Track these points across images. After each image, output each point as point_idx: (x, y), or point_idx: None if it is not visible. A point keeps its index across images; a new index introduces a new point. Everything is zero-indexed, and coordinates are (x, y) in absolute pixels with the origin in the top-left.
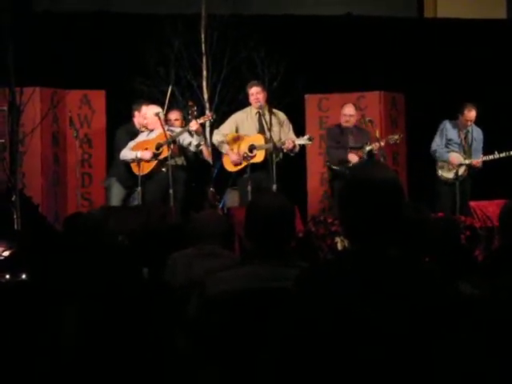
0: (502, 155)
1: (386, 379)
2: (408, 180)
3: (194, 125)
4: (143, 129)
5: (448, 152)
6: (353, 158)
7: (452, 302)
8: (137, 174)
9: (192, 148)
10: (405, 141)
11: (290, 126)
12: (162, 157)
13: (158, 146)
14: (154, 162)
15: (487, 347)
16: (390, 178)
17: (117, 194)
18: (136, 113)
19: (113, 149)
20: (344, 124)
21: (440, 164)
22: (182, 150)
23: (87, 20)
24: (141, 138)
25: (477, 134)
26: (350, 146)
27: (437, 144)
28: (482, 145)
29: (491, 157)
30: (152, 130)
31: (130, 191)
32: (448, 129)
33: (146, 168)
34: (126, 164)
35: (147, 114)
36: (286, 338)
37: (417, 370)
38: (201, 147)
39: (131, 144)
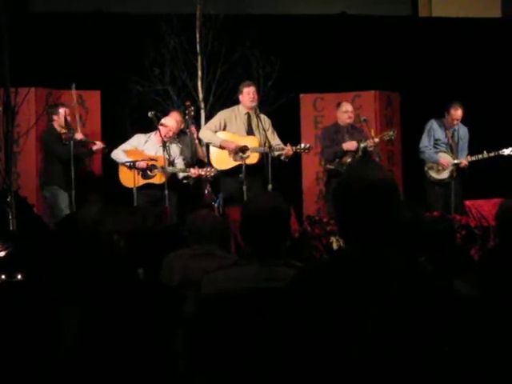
0: (490, 155)
1: (382, 380)
2: (403, 179)
3: (194, 173)
4: (64, 130)
5: (437, 153)
6: (348, 145)
7: (448, 301)
8: (130, 186)
9: (179, 176)
10: (400, 140)
11: (275, 132)
12: (152, 181)
13: (152, 168)
14: (144, 181)
15: (484, 346)
16: (386, 178)
17: (64, 200)
18: (55, 117)
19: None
20: (347, 121)
21: (429, 165)
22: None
23: (82, 20)
24: (137, 142)
25: (463, 132)
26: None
27: (424, 145)
28: (467, 143)
29: (480, 156)
30: (152, 133)
31: (70, 194)
32: (435, 129)
33: (141, 182)
34: (63, 167)
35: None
36: (281, 338)
37: (414, 370)
38: (185, 181)
39: (125, 147)
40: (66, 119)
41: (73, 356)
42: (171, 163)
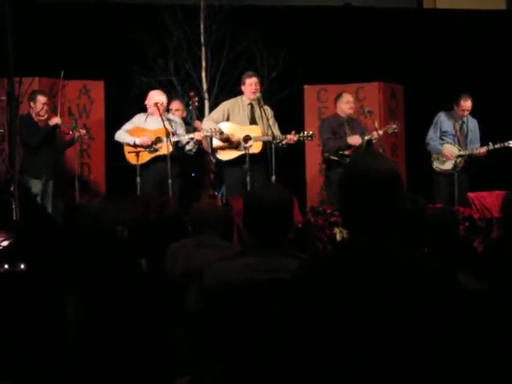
0: (496, 146)
1: (385, 371)
2: (406, 171)
3: (198, 136)
4: (41, 118)
5: (442, 144)
6: (353, 140)
7: (452, 291)
8: (134, 163)
9: (182, 144)
10: (403, 132)
11: (276, 124)
12: (158, 153)
13: (157, 141)
14: (151, 155)
15: (487, 338)
16: (390, 169)
17: (35, 189)
18: (32, 104)
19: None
20: (348, 111)
21: (434, 156)
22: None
23: (87, 10)
24: (138, 121)
25: (472, 124)
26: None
27: (430, 137)
28: (478, 135)
29: (485, 148)
30: (151, 114)
31: (45, 182)
32: (443, 121)
33: (145, 158)
34: (35, 154)
35: (149, 96)
36: (285, 328)
37: (417, 362)
38: (192, 153)
39: (127, 126)
40: (69, 108)
41: (75, 346)
42: (174, 134)
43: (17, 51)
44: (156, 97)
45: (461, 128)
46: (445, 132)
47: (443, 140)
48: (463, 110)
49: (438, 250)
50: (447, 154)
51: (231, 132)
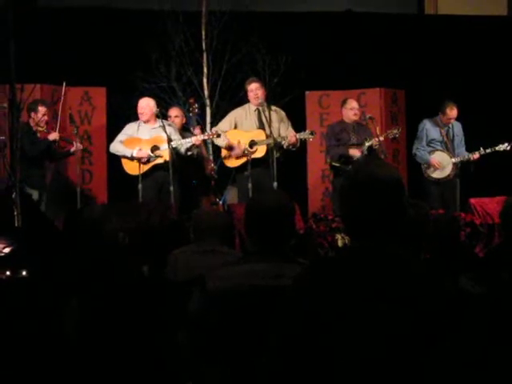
0: (487, 151)
1: (385, 376)
2: (408, 177)
3: (196, 141)
4: (40, 128)
5: (431, 152)
6: (355, 152)
7: (451, 297)
8: (136, 174)
9: (181, 151)
10: (405, 137)
11: (289, 123)
12: (158, 162)
13: (154, 149)
14: (150, 163)
15: (488, 343)
16: (392, 175)
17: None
18: (32, 114)
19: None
20: (353, 118)
21: (425, 165)
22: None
23: (88, 16)
24: (131, 130)
25: (457, 128)
26: (351, 143)
27: (416, 147)
28: (463, 138)
29: (478, 153)
30: (145, 122)
31: (41, 192)
32: (428, 129)
33: (144, 167)
34: (33, 164)
35: (143, 104)
36: (287, 334)
37: (419, 367)
38: (189, 153)
39: (121, 137)
40: (70, 115)
41: (71, 350)
42: (169, 140)
43: (19, 58)
44: (151, 103)
45: (447, 134)
46: (432, 140)
47: (432, 147)
48: (449, 119)
49: (440, 256)
50: (434, 162)
51: (237, 139)
